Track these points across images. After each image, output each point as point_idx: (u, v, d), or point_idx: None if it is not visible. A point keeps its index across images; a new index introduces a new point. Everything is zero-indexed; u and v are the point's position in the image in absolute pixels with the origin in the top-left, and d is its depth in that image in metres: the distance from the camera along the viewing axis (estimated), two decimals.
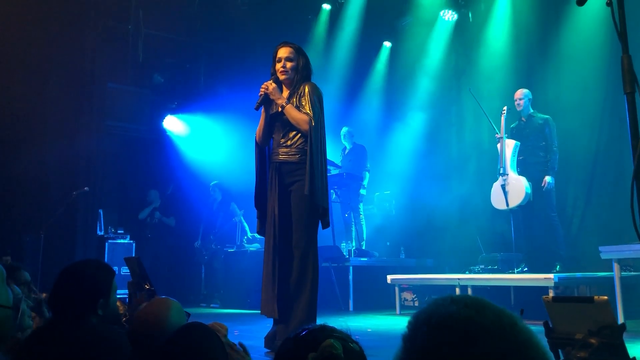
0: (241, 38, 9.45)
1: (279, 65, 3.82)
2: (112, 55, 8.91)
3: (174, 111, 10.03)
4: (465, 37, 8.81)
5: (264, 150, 3.96)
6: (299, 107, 3.74)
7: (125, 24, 9.03)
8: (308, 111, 3.69)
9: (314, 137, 3.65)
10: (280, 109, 3.76)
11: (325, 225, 3.80)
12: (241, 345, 1.87)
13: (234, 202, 8.84)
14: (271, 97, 3.76)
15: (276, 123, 3.84)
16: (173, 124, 10.01)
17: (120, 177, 9.56)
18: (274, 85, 3.76)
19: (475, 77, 8.20)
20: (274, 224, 3.75)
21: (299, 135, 3.75)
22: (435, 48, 9.10)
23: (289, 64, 3.80)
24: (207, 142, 10.02)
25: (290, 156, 3.78)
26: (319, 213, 3.73)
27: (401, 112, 9.45)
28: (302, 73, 3.83)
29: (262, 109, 3.86)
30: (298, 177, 3.73)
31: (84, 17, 8.40)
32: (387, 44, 9.98)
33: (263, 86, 3.77)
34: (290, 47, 3.84)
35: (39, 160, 7.77)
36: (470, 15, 8.72)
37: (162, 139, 9.96)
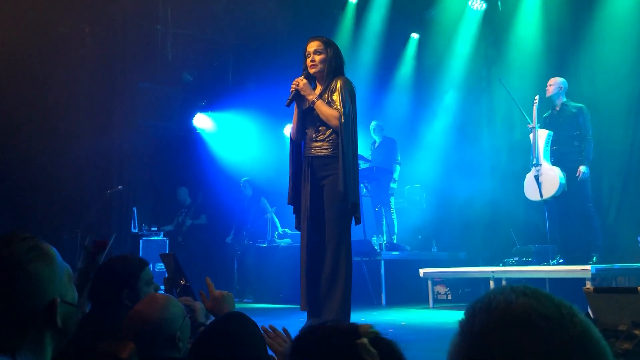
0: (268, 34, 9.48)
1: (308, 60, 3.82)
2: (141, 54, 9.02)
3: (203, 109, 10.12)
4: (495, 27, 8.68)
5: (299, 146, 3.97)
6: (330, 103, 3.72)
7: (153, 23, 9.13)
8: (339, 107, 3.68)
9: (345, 133, 3.64)
10: (311, 105, 3.76)
11: (357, 221, 3.80)
12: (285, 330, 1.89)
13: (264, 197, 8.89)
14: (302, 93, 3.76)
15: (308, 118, 3.85)
16: (203, 122, 10.09)
17: (152, 175, 9.68)
18: (304, 81, 3.76)
19: (506, 67, 8.08)
20: (307, 219, 3.77)
21: (331, 130, 3.74)
22: (464, 39, 8.99)
23: (317, 57, 3.79)
24: (236, 138, 10.09)
25: (322, 150, 3.78)
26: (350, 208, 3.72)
27: (430, 104, 9.37)
28: (332, 64, 3.80)
29: (295, 105, 3.86)
30: (330, 171, 3.73)
31: (113, 18, 8.52)
32: (414, 36, 9.90)
33: (294, 82, 3.78)
34: (318, 40, 3.83)
35: (73, 161, 7.93)
36: (499, 3, 8.59)
37: (193, 137, 10.06)
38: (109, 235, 8.01)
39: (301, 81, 3.77)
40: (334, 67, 3.82)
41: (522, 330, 0.70)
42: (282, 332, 1.87)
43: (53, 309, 1.17)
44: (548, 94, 6.39)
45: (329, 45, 3.83)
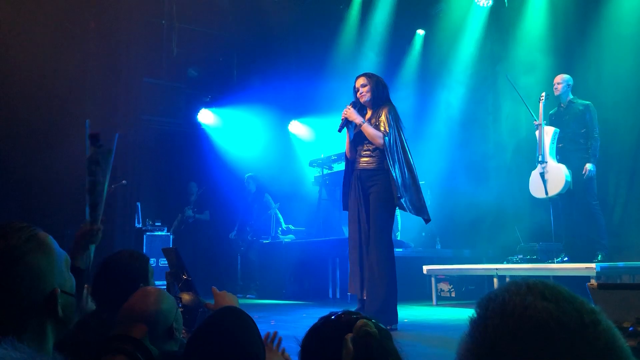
0: (273, 30, 9.46)
1: (358, 94, 4.61)
2: (146, 50, 9.02)
3: (208, 104, 10.12)
4: (501, 23, 8.62)
5: (352, 162, 4.72)
6: (376, 125, 4.45)
7: (158, 19, 9.13)
8: (382, 129, 4.41)
9: (389, 150, 4.38)
10: (359, 128, 4.52)
11: (427, 220, 4.59)
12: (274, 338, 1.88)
13: (268, 193, 8.88)
14: (350, 119, 4.54)
15: (357, 139, 4.61)
16: (207, 117, 10.09)
17: (157, 170, 9.69)
18: (350, 109, 4.53)
19: (512, 64, 8.02)
20: (359, 221, 4.50)
21: (374, 147, 4.49)
22: (470, 35, 8.93)
23: (364, 89, 4.59)
24: (241, 134, 10.08)
25: (368, 164, 4.54)
26: (393, 212, 4.54)
27: (436, 101, 9.32)
28: (375, 92, 4.58)
29: (346, 130, 4.65)
30: (375, 182, 4.47)
31: (118, 13, 8.52)
32: (420, 32, 9.85)
33: (344, 112, 4.55)
34: (363, 76, 4.67)
35: (77, 156, 7.91)
36: (505, 0, 8.54)
37: (197, 132, 10.06)
38: (113, 229, 8.03)
39: (348, 110, 4.54)
40: (379, 94, 4.60)
41: (539, 341, 0.65)
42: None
43: (54, 300, 1.16)
44: (557, 93, 6.34)
45: (372, 78, 4.66)
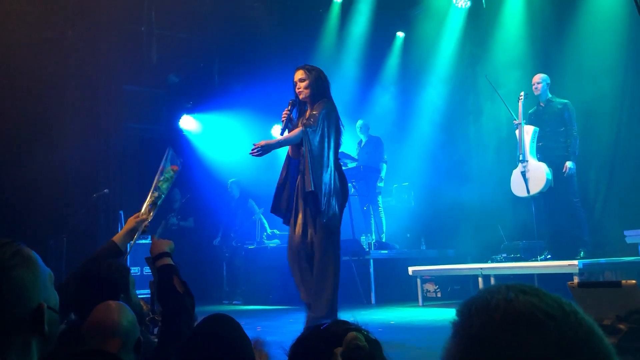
0: (254, 35, 9.44)
1: (297, 89, 4.22)
2: (126, 57, 8.94)
3: (189, 111, 10.06)
4: (480, 24, 8.70)
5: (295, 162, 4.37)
6: (309, 120, 4.12)
7: (137, 25, 9.06)
8: (310, 122, 4.07)
9: (308, 141, 4.02)
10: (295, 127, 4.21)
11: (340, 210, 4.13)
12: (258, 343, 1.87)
13: (251, 199, 8.86)
14: (270, 149, 4.15)
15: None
16: (189, 123, 10.04)
17: (139, 177, 9.57)
18: (262, 143, 4.12)
19: (492, 64, 8.11)
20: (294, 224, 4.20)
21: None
22: (449, 36, 9.01)
23: (302, 84, 4.18)
24: (223, 140, 10.04)
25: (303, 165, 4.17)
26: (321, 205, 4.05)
27: (417, 102, 9.38)
28: (315, 88, 4.17)
29: (287, 131, 4.27)
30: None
31: (96, 20, 8.44)
32: (400, 35, 9.91)
33: (283, 114, 4.22)
34: (301, 69, 4.23)
35: (58, 164, 7.84)
36: (483, 1, 8.61)
37: (179, 139, 10.00)
38: (96, 239, 7.95)
39: (285, 114, 4.20)
40: (318, 89, 4.19)
41: (529, 331, 0.65)
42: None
43: (40, 315, 1.14)
44: (537, 93, 6.41)
45: (311, 71, 4.22)
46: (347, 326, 1.16)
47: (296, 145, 4.19)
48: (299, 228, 4.16)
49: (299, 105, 4.28)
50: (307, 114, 4.20)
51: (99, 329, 1.59)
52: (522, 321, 0.66)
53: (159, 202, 2.86)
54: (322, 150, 4.09)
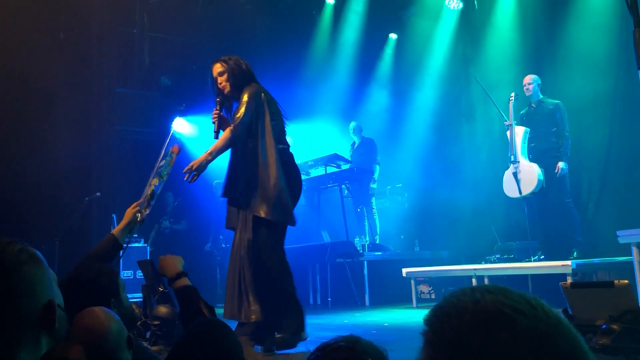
0: (246, 37, 9.44)
1: (219, 85, 3.83)
2: (118, 60, 8.92)
3: (182, 113, 10.03)
4: (472, 26, 8.73)
5: None
6: (235, 114, 3.73)
7: (130, 28, 9.04)
8: (237, 115, 3.67)
9: (236, 139, 3.68)
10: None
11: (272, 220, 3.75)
12: None
13: None
14: (204, 168, 3.86)
15: None
16: (182, 126, 10.01)
17: (132, 180, 9.54)
18: (193, 165, 3.84)
19: (484, 66, 8.13)
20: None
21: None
22: (441, 38, 9.03)
23: (222, 78, 3.80)
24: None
25: None
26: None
27: (410, 104, 9.39)
28: (234, 78, 3.78)
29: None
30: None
31: (88, 23, 8.42)
32: (393, 36, 9.92)
33: (213, 115, 3.82)
34: (217, 62, 3.85)
35: (50, 168, 7.81)
36: (475, 2, 8.64)
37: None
38: (88, 242, 7.91)
39: (214, 115, 3.80)
40: (238, 79, 3.79)
41: (500, 328, 0.66)
42: None
43: (51, 311, 1.14)
44: (528, 94, 6.42)
45: (228, 61, 3.81)
46: (353, 348, 1.04)
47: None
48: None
49: (227, 102, 3.89)
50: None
51: (89, 334, 1.57)
52: (492, 320, 0.67)
53: (157, 192, 2.84)
54: (253, 143, 3.71)
